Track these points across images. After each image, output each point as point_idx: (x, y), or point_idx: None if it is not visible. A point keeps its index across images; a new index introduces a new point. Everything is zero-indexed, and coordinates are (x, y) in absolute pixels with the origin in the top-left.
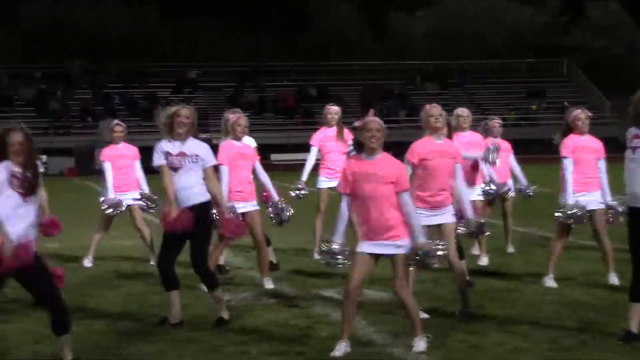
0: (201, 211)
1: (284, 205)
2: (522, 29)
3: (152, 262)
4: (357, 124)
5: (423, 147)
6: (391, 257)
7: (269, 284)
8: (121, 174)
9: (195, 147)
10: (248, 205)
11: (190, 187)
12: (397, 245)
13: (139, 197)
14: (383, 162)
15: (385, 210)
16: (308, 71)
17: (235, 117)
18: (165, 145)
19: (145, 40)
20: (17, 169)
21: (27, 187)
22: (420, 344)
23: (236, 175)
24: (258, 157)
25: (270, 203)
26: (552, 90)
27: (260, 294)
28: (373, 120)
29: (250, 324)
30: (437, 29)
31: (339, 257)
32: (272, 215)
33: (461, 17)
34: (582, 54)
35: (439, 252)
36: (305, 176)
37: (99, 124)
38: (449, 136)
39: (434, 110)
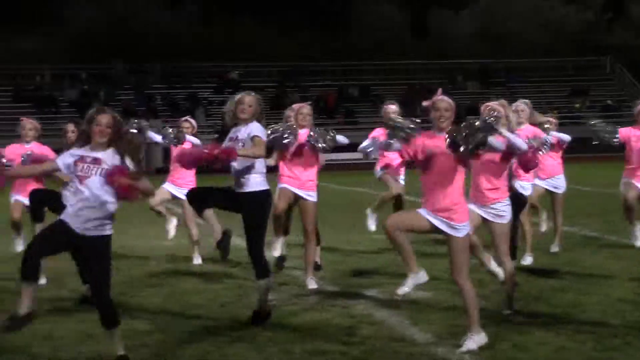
0: (255, 199)
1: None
2: (565, 27)
3: (195, 262)
4: (425, 103)
5: None
6: (447, 237)
7: (312, 284)
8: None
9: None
10: (303, 193)
11: (247, 173)
12: (451, 226)
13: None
14: None
15: (447, 189)
16: (350, 71)
17: (298, 106)
18: (231, 131)
19: (188, 40)
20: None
21: None
22: (469, 342)
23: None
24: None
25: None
26: (595, 89)
27: (303, 293)
28: (442, 99)
29: (293, 323)
30: (480, 28)
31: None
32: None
33: (504, 16)
34: (625, 52)
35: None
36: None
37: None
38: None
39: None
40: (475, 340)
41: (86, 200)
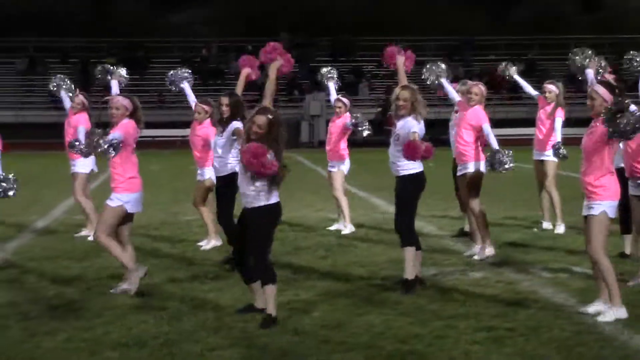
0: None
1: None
2: None
3: (345, 231)
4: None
5: None
6: (584, 217)
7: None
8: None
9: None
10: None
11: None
12: (589, 206)
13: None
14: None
15: (588, 170)
16: (517, 45)
17: (470, 84)
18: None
19: (354, 13)
20: None
21: None
22: (609, 313)
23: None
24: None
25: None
26: None
27: (466, 268)
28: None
29: (457, 299)
30: None
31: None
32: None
33: None
34: None
35: None
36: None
37: (305, 97)
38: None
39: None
40: (617, 314)
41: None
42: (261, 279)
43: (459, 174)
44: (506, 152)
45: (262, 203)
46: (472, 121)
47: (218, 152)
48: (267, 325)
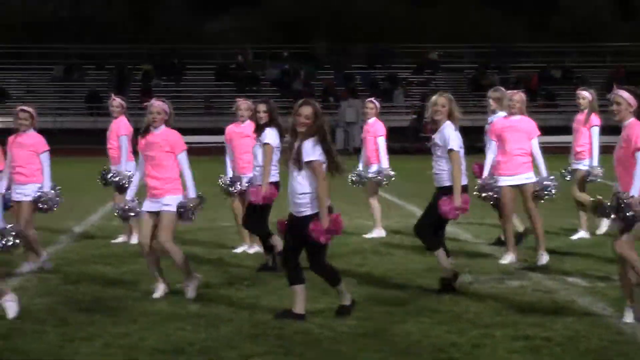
0: None
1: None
2: None
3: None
4: None
5: None
6: None
7: (542, 260)
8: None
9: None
10: (521, 178)
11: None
12: None
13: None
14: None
15: (623, 177)
16: (554, 52)
17: (511, 92)
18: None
19: (388, 20)
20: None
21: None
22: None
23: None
24: None
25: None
26: None
27: (503, 276)
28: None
29: (495, 307)
30: None
31: None
32: None
33: None
34: None
35: None
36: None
37: (341, 104)
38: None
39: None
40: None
41: None
42: (329, 282)
43: (520, 183)
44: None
45: (313, 211)
46: (529, 131)
47: (258, 160)
48: (342, 313)
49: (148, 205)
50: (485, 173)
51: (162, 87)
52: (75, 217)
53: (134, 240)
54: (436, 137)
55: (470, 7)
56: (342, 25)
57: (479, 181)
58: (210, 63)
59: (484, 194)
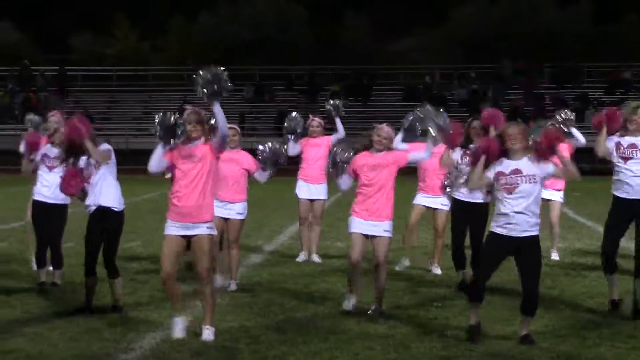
0: None
1: None
2: None
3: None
4: None
5: None
6: None
7: None
8: None
9: None
10: None
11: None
12: None
13: None
14: None
15: None
16: None
17: None
18: None
19: (575, 39)
20: None
21: None
22: None
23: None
24: None
25: None
26: None
27: None
28: None
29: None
30: None
31: None
32: None
33: None
34: None
35: None
36: None
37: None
38: None
39: None
40: None
41: None
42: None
43: None
44: None
45: (537, 232)
46: None
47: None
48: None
49: (360, 226)
50: None
51: (349, 108)
52: (265, 236)
53: (316, 258)
54: None
55: None
56: (528, 44)
57: None
58: (396, 83)
59: None
